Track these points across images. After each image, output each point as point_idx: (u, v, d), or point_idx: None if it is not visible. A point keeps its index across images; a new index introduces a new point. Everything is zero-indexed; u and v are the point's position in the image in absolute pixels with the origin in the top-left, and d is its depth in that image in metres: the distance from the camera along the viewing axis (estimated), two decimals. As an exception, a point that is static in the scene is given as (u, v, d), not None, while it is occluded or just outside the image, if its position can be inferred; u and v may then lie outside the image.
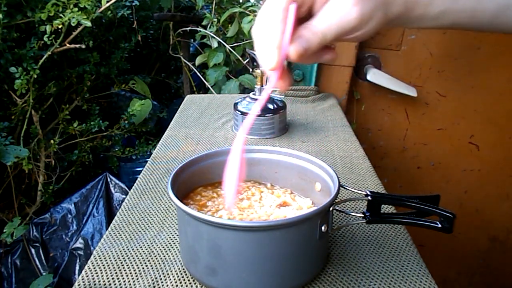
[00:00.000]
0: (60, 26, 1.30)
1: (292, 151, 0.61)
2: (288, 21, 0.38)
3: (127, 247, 0.58)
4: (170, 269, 0.54)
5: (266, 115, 0.95)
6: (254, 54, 0.96)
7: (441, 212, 0.46)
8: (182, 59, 1.94)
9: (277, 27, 0.38)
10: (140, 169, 0.94)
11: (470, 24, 0.45)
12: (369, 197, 0.49)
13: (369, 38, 0.44)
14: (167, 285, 0.51)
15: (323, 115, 1.13)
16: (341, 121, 1.09)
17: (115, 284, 0.51)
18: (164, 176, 0.79)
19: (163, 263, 0.55)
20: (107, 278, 0.52)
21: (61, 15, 1.29)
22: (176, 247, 0.58)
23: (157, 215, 0.66)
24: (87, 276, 0.53)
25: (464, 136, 1.45)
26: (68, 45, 1.42)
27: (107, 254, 0.57)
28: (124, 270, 0.54)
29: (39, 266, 1.47)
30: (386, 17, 0.42)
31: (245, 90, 1.57)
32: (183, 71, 2.04)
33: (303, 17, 0.40)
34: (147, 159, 0.98)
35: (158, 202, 0.70)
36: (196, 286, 0.51)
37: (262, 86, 0.98)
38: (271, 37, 0.38)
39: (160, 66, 2.45)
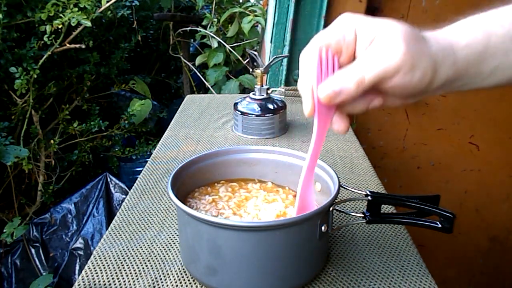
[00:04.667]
0: (60, 26, 1.30)
1: (292, 151, 0.61)
2: (312, 64, 0.38)
3: (127, 247, 0.58)
4: (170, 269, 0.54)
5: (266, 115, 0.95)
6: (254, 54, 0.96)
7: (441, 212, 0.46)
8: (182, 59, 1.94)
9: (309, 76, 0.39)
10: (140, 169, 0.94)
11: None
12: (369, 197, 0.49)
13: (417, 98, 0.41)
14: (167, 285, 0.51)
15: (323, 115, 1.13)
16: (341, 121, 1.09)
17: (115, 284, 0.51)
18: (164, 176, 0.79)
19: (163, 263, 0.55)
20: (107, 278, 0.52)
21: (61, 15, 1.29)
22: (176, 247, 0.58)
23: (157, 215, 0.66)
24: (87, 276, 0.53)
25: (464, 136, 1.45)
26: (68, 45, 1.42)
27: (107, 254, 0.57)
28: (124, 270, 0.54)
29: (39, 266, 1.47)
30: (435, 76, 0.39)
31: (245, 90, 1.57)
32: (183, 71, 2.04)
33: (348, 64, 0.39)
34: (147, 159, 0.98)
35: (158, 202, 0.70)
36: (196, 286, 0.51)
37: (262, 86, 0.98)
38: (305, 86, 0.40)
39: (160, 66, 2.45)
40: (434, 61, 0.38)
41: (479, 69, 0.40)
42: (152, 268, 0.54)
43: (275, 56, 1.02)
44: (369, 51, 0.38)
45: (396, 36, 0.37)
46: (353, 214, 0.51)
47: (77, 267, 1.46)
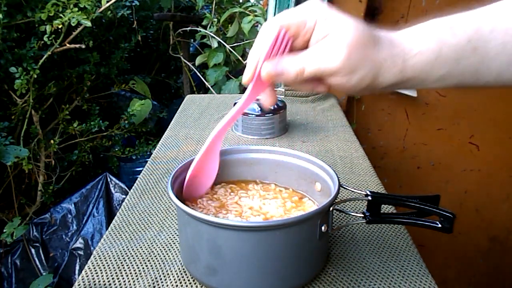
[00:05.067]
0: (60, 26, 1.30)
1: (292, 151, 0.61)
2: (266, 41, 0.41)
3: (127, 247, 0.58)
4: (170, 269, 0.54)
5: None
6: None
7: (441, 212, 0.46)
8: (182, 59, 1.94)
9: (259, 48, 0.43)
10: (140, 169, 0.94)
11: (475, 83, 0.43)
12: (369, 197, 0.49)
13: (361, 93, 0.45)
14: (167, 285, 0.51)
15: (323, 115, 1.13)
16: (341, 121, 1.09)
17: (115, 284, 0.52)
18: (164, 176, 0.79)
19: (163, 263, 0.55)
20: (107, 278, 0.52)
21: (61, 15, 1.29)
22: (176, 247, 0.58)
23: (157, 215, 0.66)
24: (87, 276, 0.53)
25: (464, 136, 1.45)
26: (68, 45, 1.42)
27: (107, 254, 0.57)
28: (124, 270, 0.54)
29: (39, 266, 1.47)
30: (376, 81, 0.41)
31: (245, 90, 1.57)
32: (183, 71, 2.04)
33: (300, 48, 0.42)
34: (147, 159, 0.98)
35: (158, 202, 0.70)
36: (196, 286, 0.51)
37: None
38: (252, 56, 0.43)
39: (160, 66, 2.45)
40: (378, 67, 0.40)
41: (427, 75, 0.42)
42: (152, 268, 0.54)
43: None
44: (317, 46, 0.41)
45: (344, 41, 0.39)
46: (353, 214, 0.51)
47: (77, 267, 1.46)
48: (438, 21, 0.42)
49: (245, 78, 0.44)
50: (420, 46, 0.41)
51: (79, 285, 0.52)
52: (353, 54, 0.39)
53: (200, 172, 0.55)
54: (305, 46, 0.42)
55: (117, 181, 1.59)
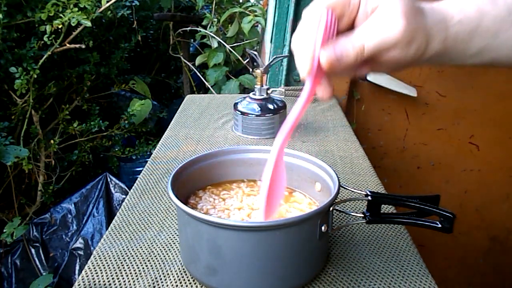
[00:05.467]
0: (60, 26, 1.30)
1: (292, 151, 0.61)
2: (320, 28, 0.37)
3: (127, 247, 0.58)
4: (170, 269, 0.54)
5: (266, 115, 0.95)
6: (254, 54, 0.96)
7: (441, 212, 0.46)
8: (182, 59, 1.94)
9: (311, 35, 0.38)
10: (140, 169, 0.94)
11: (510, 59, 0.43)
12: (369, 197, 0.49)
13: (404, 68, 0.42)
14: (167, 285, 0.51)
15: (323, 115, 1.13)
16: (341, 121, 1.09)
17: (115, 284, 0.52)
18: (164, 176, 0.79)
19: (163, 263, 0.55)
20: (107, 278, 0.52)
21: (61, 15, 1.29)
22: (176, 247, 0.58)
23: (157, 215, 0.66)
24: (87, 276, 0.53)
25: (464, 136, 1.45)
26: (68, 45, 1.42)
27: (107, 254, 0.57)
28: (124, 270, 0.54)
29: (39, 266, 1.47)
30: (427, 50, 0.40)
31: (245, 90, 1.57)
32: (183, 71, 2.04)
33: (346, 29, 0.40)
34: (147, 159, 0.98)
35: (158, 202, 0.70)
36: (196, 286, 0.51)
37: (262, 86, 0.98)
38: (305, 45, 0.39)
39: (160, 66, 2.45)
40: (428, 35, 0.39)
41: (467, 46, 0.41)
42: (152, 268, 0.54)
43: (275, 56, 1.02)
44: (370, 21, 0.38)
45: (397, 10, 0.37)
46: (353, 214, 0.51)
47: (77, 267, 1.46)
48: None
49: (304, 70, 0.39)
50: (461, 14, 0.40)
51: (79, 285, 0.52)
52: (410, 21, 0.38)
53: (273, 186, 0.47)
54: (351, 27, 0.40)
55: (117, 181, 1.59)
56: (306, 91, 0.40)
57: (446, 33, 0.40)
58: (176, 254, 0.57)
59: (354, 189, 0.51)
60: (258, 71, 0.96)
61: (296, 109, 0.42)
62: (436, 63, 0.43)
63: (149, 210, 0.68)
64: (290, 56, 1.22)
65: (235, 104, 0.99)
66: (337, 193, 0.49)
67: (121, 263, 0.55)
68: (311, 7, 0.39)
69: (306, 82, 0.40)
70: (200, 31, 1.63)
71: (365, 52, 0.38)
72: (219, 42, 1.57)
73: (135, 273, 0.53)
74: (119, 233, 0.62)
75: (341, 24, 0.39)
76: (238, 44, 1.57)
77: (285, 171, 0.48)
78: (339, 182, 0.51)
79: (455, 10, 0.40)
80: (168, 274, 0.53)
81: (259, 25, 1.54)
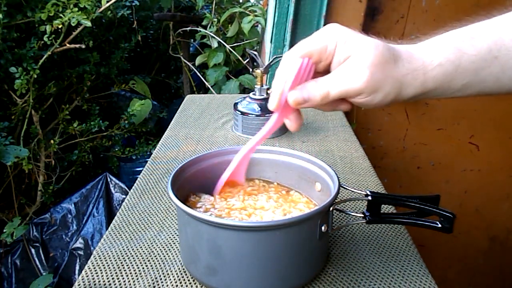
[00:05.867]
0: (60, 26, 1.30)
1: (292, 151, 0.61)
2: (291, 72, 0.42)
3: (127, 247, 0.58)
4: (170, 269, 0.54)
5: (266, 115, 0.95)
6: (254, 54, 0.96)
7: (441, 212, 0.46)
8: (182, 59, 1.94)
9: (283, 77, 0.43)
10: (140, 169, 0.95)
11: (498, 90, 0.44)
12: (369, 197, 0.49)
13: (379, 107, 0.45)
14: (167, 285, 0.51)
15: (323, 115, 1.13)
16: (341, 121, 1.09)
17: (115, 284, 0.52)
18: (164, 176, 0.79)
19: (163, 263, 0.55)
20: (107, 278, 0.52)
21: (61, 15, 1.29)
22: (176, 247, 0.58)
23: (157, 215, 0.66)
24: (87, 276, 0.53)
25: (464, 136, 1.45)
26: (68, 45, 1.42)
27: (107, 254, 0.57)
28: (124, 270, 0.54)
29: (39, 266, 1.47)
30: (399, 96, 0.42)
31: (245, 90, 1.57)
32: (183, 71, 2.04)
33: (323, 72, 0.44)
34: (147, 159, 0.98)
35: (158, 202, 0.70)
36: (196, 286, 0.51)
37: (262, 86, 0.98)
38: (277, 85, 0.44)
39: (160, 66, 2.45)
40: (400, 83, 0.41)
41: (449, 86, 0.43)
42: (152, 268, 0.54)
43: (275, 56, 1.02)
44: (339, 69, 0.42)
45: (365, 61, 0.40)
46: (353, 214, 0.51)
47: (77, 267, 1.46)
48: (457, 32, 0.43)
49: (272, 106, 0.45)
50: (440, 57, 0.41)
51: (79, 285, 0.52)
52: (375, 73, 0.40)
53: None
54: (327, 70, 0.43)
55: (117, 181, 1.59)
56: (272, 121, 0.47)
57: (424, 77, 0.41)
58: (176, 254, 0.57)
59: (354, 189, 0.52)
60: (258, 71, 0.96)
61: (258, 136, 0.50)
62: (420, 99, 0.45)
63: (149, 210, 0.68)
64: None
65: (235, 104, 0.99)
66: (337, 193, 0.49)
67: (121, 263, 0.55)
68: (289, 53, 0.44)
69: (273, 114, 0.47)
70: (200, 31, 1.63)
71: (330, 97, 0.42)
72: (219, 42, 1.57)
73: (135, 273, 0.53)
74: (119, 233, 0.62)
75: (318, 67, 0.43)
76: (238, 44, 1.57)
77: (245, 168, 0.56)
78: (339, 182, 0.51)
79: (434, 54, 0.42)
80: (168, 274, 0.53)
81: (259, 25, 1.54)
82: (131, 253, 0.57)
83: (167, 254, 0.57)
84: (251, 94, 0.98)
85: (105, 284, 0.51)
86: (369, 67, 0.40)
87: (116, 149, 1.81)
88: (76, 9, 1.30)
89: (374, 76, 0.40)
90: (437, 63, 0.41)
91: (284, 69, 0.43)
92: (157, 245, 0.59)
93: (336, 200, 0.48)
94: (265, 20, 1.46)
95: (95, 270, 0.54)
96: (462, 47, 0.41)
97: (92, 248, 1.46)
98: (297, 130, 0.48)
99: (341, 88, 0.41)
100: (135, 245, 0.59)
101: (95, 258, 0.56)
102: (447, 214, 0.46)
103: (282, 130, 1.00)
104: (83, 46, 1.43)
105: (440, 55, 0.41)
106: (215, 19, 1.59)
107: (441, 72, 0.41)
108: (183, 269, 0.54)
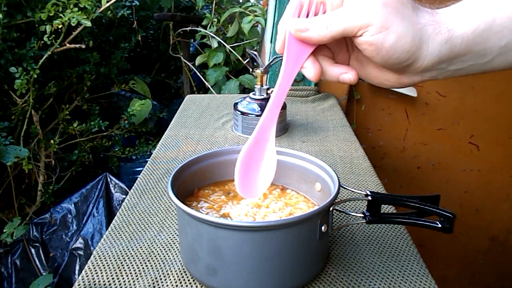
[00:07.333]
0: (60, 26, 1.30)
1: (292, 151, 0.61)
2: (292, 7, 0.40)
3: (127, 247, 0.58)
4: (170, 269, 0.54)
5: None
6: (254, 54, 0.96)
7: (441, 212, 0.46)
8: (182, 59, 1.94)
9: (287, 15, 0.41)
10: (140, 169, 0.94)
11: None
12: (369, 197, 0.49)
13: (397, 65, 0.39)
14: (167, 285, 0.51)
15: (323, 115, 1.13)
16: (341, 121, 1.09)
17: (115, 284, 0.52)
18: (164, 176, 0.79)
19: (163, 263, 0.55)
20: (107, 278, 0.52)
21: (61, 15, 1.29)
22: (176, 247, 0.58)
23: (157, 215, 0.66)
24: (87, 276, 0.53)
25: (464, 136, 1.45)
26: (68, 45, 1.42)
27: (107, 254, 0.57)
28: (124, 270, 0.54)
29: (39, 266, 1.47)
30: (420, 51, 0.37)
31: (245, 90, 1.57)
32: (183, 71, 2.04)
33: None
34: (147, 159, 0.98)
35: (158, 202, 0.70)
36: (196, 286, 0.51)
37: (262, 86, 0.98)
38: (281, 23, 0.41)
39: (160, 66, 2.45)
40: (418, 31, 0.36)
41: (484, 48, 0.37)
42: (152, 268, 0.54)
43: (275, 56, 1.02)
44: (347, 2, 0.38)
45: None
46: (353, 214, 0.51)
47: (77, 267, 1.46)
48: None
49: (278, 46, 0.42)
50: (467, 14, 0.37)
51: (79, 285, 0.52)
52: (385, 8, 0.35)
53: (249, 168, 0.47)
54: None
55: (117, 181, 1.59)
56: (282, 69, 0.42)
57: (449, 34, 0.37)
58: (176, 254, 0.57)
59: (354, 189, 0.51)
60: (258, 71, 0.96)
61: (277, 87, 0.43)
62: (457, 71, 0.39)
63: (149, 210, 0.68)
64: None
65: (235, 104, 0.99)
66: (337, 193, 0.49)
67: (121, 263, 0.55)
68: None
69: (283, 59, 0.41)
70: (200, 31, 1.63)
71: (333, 29, 0.38)
72: (219, 42, 1.57)
73: (135, 273, 0.53)
74: (119, 233, 0.62)
75: (333, 5, 0.39)
76: (238, 44, 1.57)
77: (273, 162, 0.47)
78: (339, 182, 0.51)
79: (461, 14, 0.37)
80: (168, 274, 0.53)
81: (259, 25, 1.54)
82: (131, 253, 0.57)
83: (167, 254, 0.57)
84: (251, 94, 0.98)
85: (105, 284, 0.51)
86: (381, 1, 0.35)
87: (116, 149, 1.81)
88: (76, 9, 1.30)
89: (384, 9, 0.35)
90: (464, 20, 0.36)
91: (288, 8, 0.41)
92: (157, 245, 0.59)
93: (336, 200, 0.48)
94: (265, 20, 1.46)
95: (95, 270, 0.54)
96: (493, 6, 0.36)
97: (92, 248, 1.46)
98: (318, 79, 0.42)
99: (346, 18, 0.37)
100: (135, 245, 0.59)
101: (95, 258, 0.56)
102: (447, 214, 0.46)
103: (282, 130, 1.00)
104: (83, 46, 1.43)
105: (468, 12, 0.37)
106: (215, 19, 1.59)
107: (470, 29, 0.36)
108: (183, 269, 0.54)
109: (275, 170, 0.47)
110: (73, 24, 1.29)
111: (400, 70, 0.40)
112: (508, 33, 0.37)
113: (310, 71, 0.42)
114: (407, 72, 0.40)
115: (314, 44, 0.41)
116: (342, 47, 0.43)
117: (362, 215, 0.50)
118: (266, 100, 0.96)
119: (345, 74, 0.42)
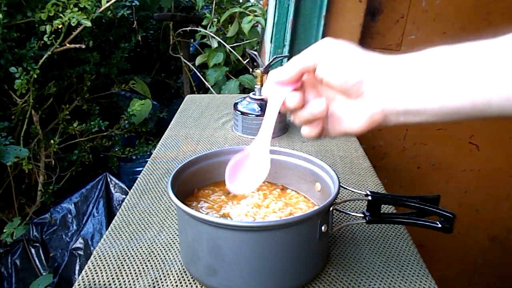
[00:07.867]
0: (60, 26, 1.30)
1: (292, 151, 0.61)
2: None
3: (127, 247, 0.58)
4: (170, 269, 0.54)
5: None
6: (254, 54, 0.96)
7: (441, 212, 0.46)
8: (182, 59, 1.94)
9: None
10: (140, 169, 0.94)
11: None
12: (369, 197, 0.49)
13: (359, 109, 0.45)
14: (167, 285, 0.51)
15: (323, 115, 1.13)
16: (341, 121, 1.09)
17: (115, 284, 0.51)
18: (164, 176, 0.79)
19: (163, 263, 0.55)
20: (107, 278, 0.52)
21: (61, 15, 1.29)
22: (176, 247, 0.58)
23: (157, 215, 0.66)
24: (87, 276, 0.53)
25: (464, 136, 1.45)
26: (68, 45, 1.42)
27: (107, 254, 0.57)
28: (124, 270, 0.54)
29: (39, 266, 1.47)
30: (374, 87, 0.41)
31: (245, 90, 1.57)
32: (183, 71, 2.04)
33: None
34: (147, 159, 0.98)
35: (158, 202, 0.70)
36: (196, 286, 0.51)
37: (262, 86, 0.97)
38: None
39: (160, 66, 2.45)
40: (364, 71, 0.40)
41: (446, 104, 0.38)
42: (152, 268, 0.54)
43: (275, 56, 1.02)
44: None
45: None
46: (353, 214, 0.51)
47: (77, 267, 1.46)
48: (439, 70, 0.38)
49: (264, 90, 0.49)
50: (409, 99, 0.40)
51: (79, 285, 0.52)
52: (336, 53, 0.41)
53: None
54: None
55: (117, 181, 1.59)
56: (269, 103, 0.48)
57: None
58: (176, 254, 0.57)
59: (354, 189, 0.51)
60: (258, 71, 0.96)
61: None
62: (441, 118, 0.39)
63: (149, 210, 0.68)
64: (290, 56, 1.22)
65: (235, 104, 0.99)
66: (337, 193, 0.49)
67: (121, 263, 0.55)
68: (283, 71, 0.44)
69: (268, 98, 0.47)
70: (200, 31, 1.63)
71: (294, 64, 0.44)
72: (219, 42, 1.57)
73: (135, 273, 0.53)
74: (119, 233, 0.62)
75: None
76: (238, 44, 1.57)
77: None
78: (339, 182, 0.51)
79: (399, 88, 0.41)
80: (168, 274, 0.53)
81: (259, 25, 1.54)
82: (131, 253, 0.57)
83: (167, 254, 0.57)
84: (251, 94, 0.98)
85: (105, 284, 0.51)
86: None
87: (116, 149, 1.81)
88: (76, 9, 1.30)
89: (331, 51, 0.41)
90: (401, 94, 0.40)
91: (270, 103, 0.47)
92: (157, 245, 0.59)
93: (336, 200, 0.48)
94: (265, 20, 1.46)
95: (95, 270, 0.54)
96: (441, 92, 0.37)
97: (92, 248, 1.46)
98: (315, 138, 0.46)
99: (303, 58, 0.43)
100: (135, 245, 0.59)
101: (95, 258, 0.56)
102: (447, 214, 0.46)
103: (282, 130, 1.00)
104: (83, 46, 1.43)
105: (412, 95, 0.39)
106: (215, 19, 1.59)
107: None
108: (183, 269, 0.54)
109: (267, 173, 0.48)
110: (73, 24, 1.29)
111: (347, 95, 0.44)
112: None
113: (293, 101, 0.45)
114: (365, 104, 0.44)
115: (287, 83, 0.45)
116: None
117: (362, 215, 0.50)
118: (266, 100, 0.96)
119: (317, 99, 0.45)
